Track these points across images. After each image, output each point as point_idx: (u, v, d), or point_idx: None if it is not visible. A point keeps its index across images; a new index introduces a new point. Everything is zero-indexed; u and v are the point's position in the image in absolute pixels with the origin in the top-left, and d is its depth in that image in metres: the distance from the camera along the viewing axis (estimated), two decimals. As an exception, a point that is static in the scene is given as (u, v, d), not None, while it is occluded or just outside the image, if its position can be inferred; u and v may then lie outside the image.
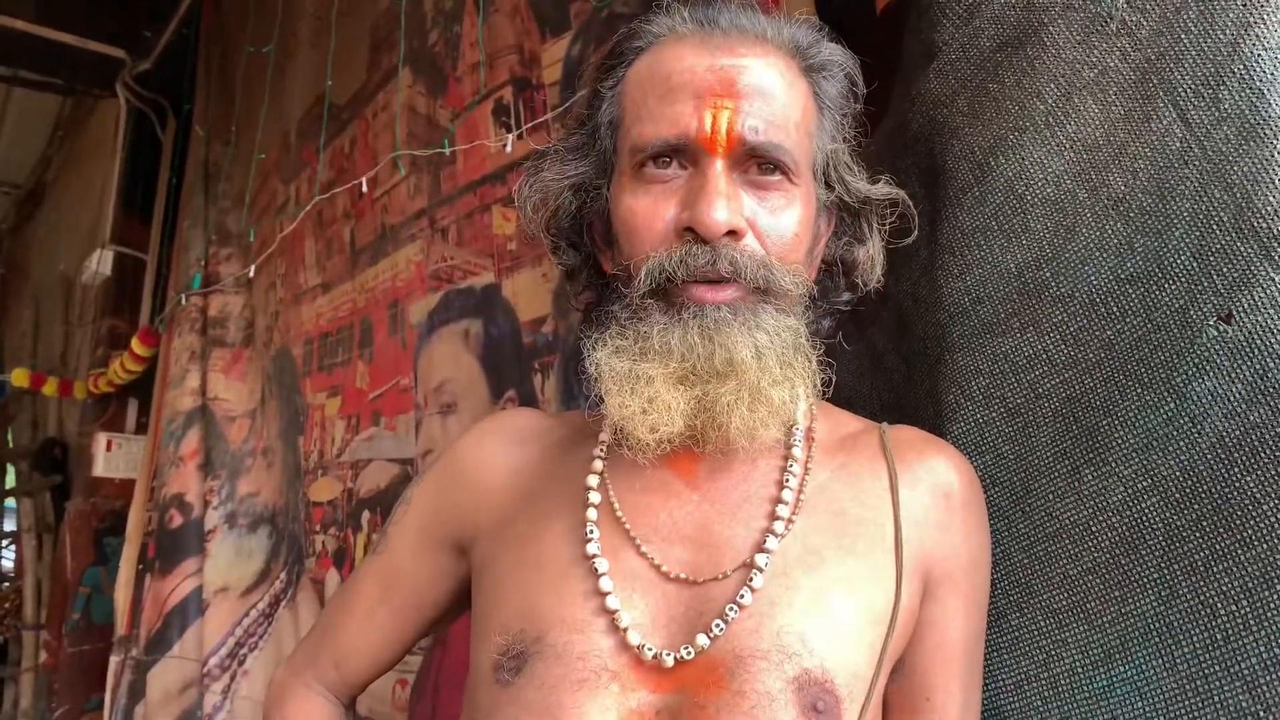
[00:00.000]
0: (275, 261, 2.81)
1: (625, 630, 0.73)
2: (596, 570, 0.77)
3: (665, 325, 0.75)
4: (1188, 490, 0.73)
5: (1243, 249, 0.72)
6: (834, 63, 0.84)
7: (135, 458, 3.57)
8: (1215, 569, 0.71)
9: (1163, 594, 0.74)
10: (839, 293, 0.89)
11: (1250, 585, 0.69)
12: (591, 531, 0.79)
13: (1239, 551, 0.70)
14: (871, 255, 0.87)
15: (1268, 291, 0.70)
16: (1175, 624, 0.73)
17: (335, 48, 2.51)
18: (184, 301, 3.04)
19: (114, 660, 2.94)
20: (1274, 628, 0.67)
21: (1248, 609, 0.69)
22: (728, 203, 0.75)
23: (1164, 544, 0.74)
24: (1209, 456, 0.72)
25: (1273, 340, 0.70)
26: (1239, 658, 0.69)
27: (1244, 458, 0.70)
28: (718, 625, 0.72)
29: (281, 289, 2.80)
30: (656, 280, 0.75)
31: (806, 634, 0.72)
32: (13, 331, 6.17)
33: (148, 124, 3.90)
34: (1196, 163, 0.76)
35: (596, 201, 0.85)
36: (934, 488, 0.81)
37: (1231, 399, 0.71)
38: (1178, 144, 0.78)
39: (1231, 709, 0.69)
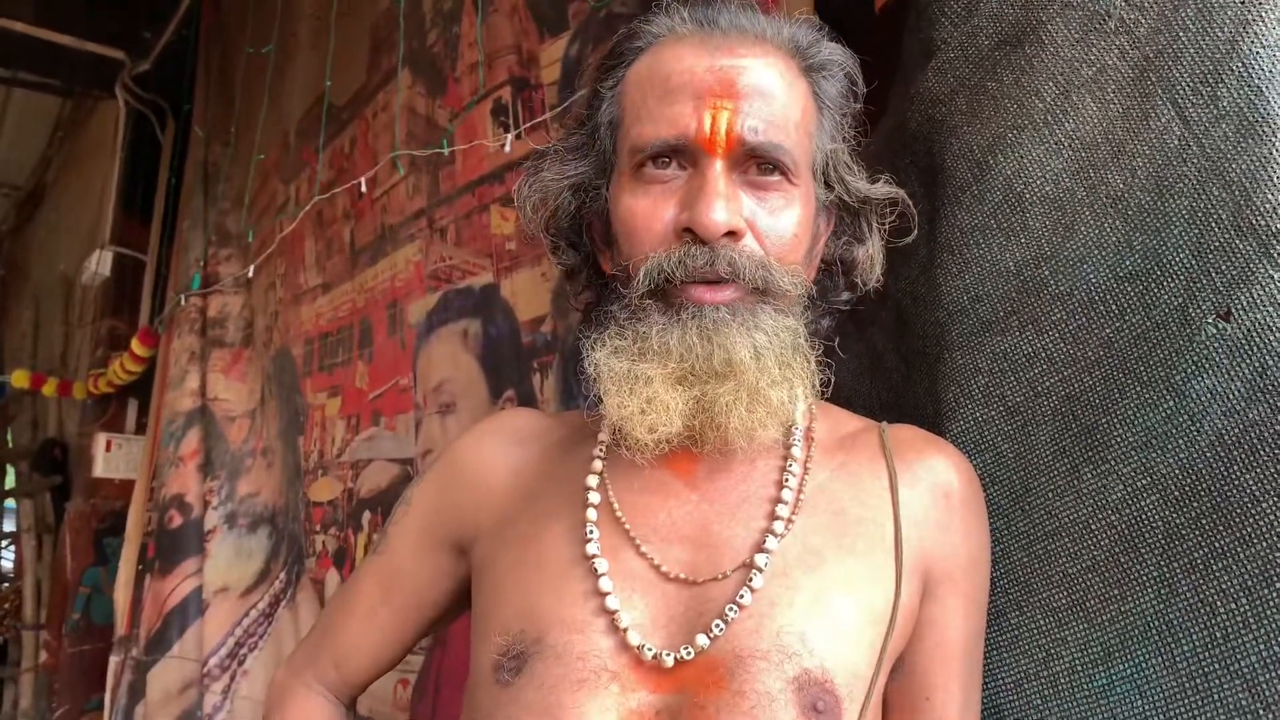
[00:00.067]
0: (275, 262, 2.80)
1: (625, 630, 0.73)
2: (596, 570, 0.77)
3: (664, 326, 0.75)
4: (1187, 488, 0.73)
5: (1241, 246, 0.72)
6: (834, 62, 0.84)
7: (135, 458, 3.57)
8: (1215, 567, 0.71)
9: (1162, 592, 0.74)
10: (838, 292, 0.89)
11: (1250, 583, 0.69)
12: (591, 532, 0.79)
13: (1238, 549, 0.70)
14: (871, 255, 0.87)
15: (1266, 289, 0.70)
16: (1175, 622, 0.73)
17: (335, 48, 2.51)
18: (183, 302, 3.04)
19: (114, 660, 2.94)
20: (1273, 626, 0.67)
21: (1247, 607, 0.69)
22: (727, 204, 0.75)
23: (1163, 542, 0.74)
24: (1208, 454, 0.72)
25: (1272, 338, 0.70)
26: (1238, 656, 0.69)
27: (1243, 455, 0.70)
28: (717, 625, 0.72)
29: (281, 289, 2.79)
30: (655, 281, 0.75)
31: (806, 634, 0.72)
32: (13, 332, 6.18)
33: (147, 125, 3.90)
34: (1195, 160, 0.76)
35: (596, 201, 0.85)
36: (934, 487, 0.81)
37: (1231, 397, 0.71)
38: (1176, 141, 0.78)
39: (1231, 707, 0.69)
